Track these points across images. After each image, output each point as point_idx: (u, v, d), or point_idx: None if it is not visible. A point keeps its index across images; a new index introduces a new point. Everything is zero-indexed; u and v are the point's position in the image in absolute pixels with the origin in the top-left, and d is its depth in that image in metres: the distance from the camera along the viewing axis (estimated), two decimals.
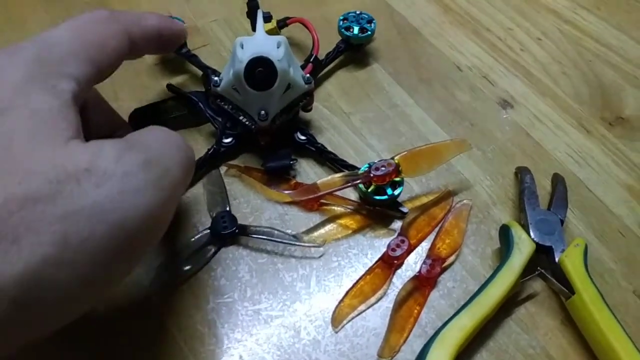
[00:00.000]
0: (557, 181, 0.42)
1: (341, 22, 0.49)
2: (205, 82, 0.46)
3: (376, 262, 0.38)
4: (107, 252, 0.24)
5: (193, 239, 0.38)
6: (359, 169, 0.41)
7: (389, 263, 0.38)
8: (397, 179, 0.39)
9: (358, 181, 0.39)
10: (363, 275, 0.37)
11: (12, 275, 0.21)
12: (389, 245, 0.37)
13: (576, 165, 0.45)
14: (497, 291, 0.35)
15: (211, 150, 0.42)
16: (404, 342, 0.35)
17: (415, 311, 0.36)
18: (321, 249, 0.39)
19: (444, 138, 0.45)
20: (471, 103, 0.48)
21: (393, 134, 0.45)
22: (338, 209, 0.41)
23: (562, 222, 0.39)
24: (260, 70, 0.37)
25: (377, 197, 0.39)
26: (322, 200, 0.40)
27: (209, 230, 0.39)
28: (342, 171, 0.42)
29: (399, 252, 0.37)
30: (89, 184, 0.24)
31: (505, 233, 0.38)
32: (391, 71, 0.49)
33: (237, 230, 0.38)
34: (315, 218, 0.40)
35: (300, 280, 0.38)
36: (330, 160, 0.43)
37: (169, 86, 0.46)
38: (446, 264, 0.38)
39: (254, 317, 0.36)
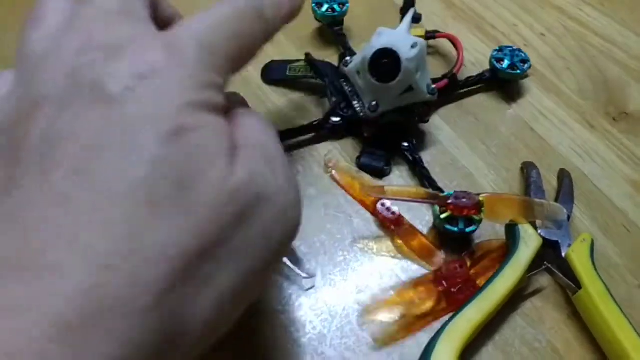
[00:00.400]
0: (564, 176, 0.42)
1: (495, 52, 0.48)
2: (339, 60, 0.47)
3: (427, 276, 0.38)
4: (266, 271, 0.24)
5: None
6: (443, 192, 0.40)
7: (438, 282, 0.37)
8: (476, 217, 0.38)
9: (434, 201, 0.38)
10: (412, 284, 0.37)
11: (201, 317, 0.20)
12: (444, 266, 0.37)
13: (580, 160, 0.45)
14: (503, 285, 0.35)
15: (316, 123, 0.43)
16: (406, 333, 0.35)
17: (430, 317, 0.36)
18: (312, 279, 0.37)
19: (449, 133, 0.46)
20: (476, 98, 0.48)
21: None
22: (416, 238, 0.39)
23: (568, 217, 0.39)
24: (385, 62, 0.38)
25: (448, 227, 0.38)
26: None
27: None
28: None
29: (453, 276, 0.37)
30: (261, 210, 0.22)
31: (512, 228, 0.38)
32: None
33: None
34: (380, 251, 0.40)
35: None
36: (421, 174, 0.42)
37: (307, 55, 0.47)
38: None
39: (259, 311, 0.36)
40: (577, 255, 0.36)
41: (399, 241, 0.39)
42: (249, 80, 0.48)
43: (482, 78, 0.48)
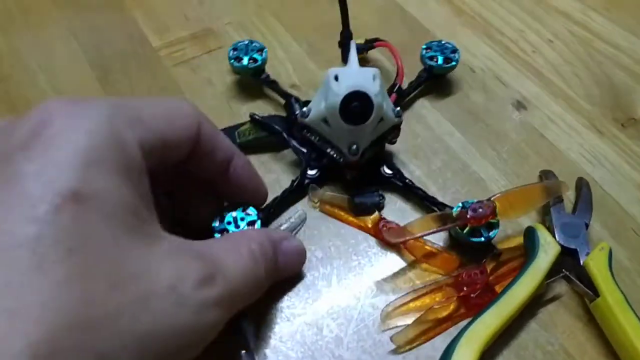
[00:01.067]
0: (582, 185, 0.42)
1: (424, 51, 0.48)
2: (288, 110, 0.45)
3: (445, 280, 0.38)
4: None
5: None
6: (448, 206, 0.40)
7: (458, 288, 0.37)
8: (493, 220, 0.38)
9: (456, 224, 0.38)
10: (430, 289, 0.37)
11: None
12: (464, 272, 0.37)
13: (590, 165, 0.45)
14: (522, 291, 0.35)
15: (296, 183, 0.41)
16: (425, 337, 0.36)
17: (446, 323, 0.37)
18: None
19: (460, 140, 0.46)
20: (485, 104, 0.49)
21: (409, 134, 0.46)
22: (424, 249, 0.39)
23: (586, 225, 0.39)
24: (356, 105, 0.37)
25: (474, 239, 0.38)
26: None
27: None
28: (431, 208, 0.41)
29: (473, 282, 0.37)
30: (170, 303, 0.23)
31: (531, 235, 0.38)
32: (405, 72, 0.50)
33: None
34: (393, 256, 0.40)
35: (321, 279, 0.38)
36: (419, 198, 0.42)
37: (252, 116, 0.44)
38: None
39: (277, 315, 0.36)
40: (595, 263, 0.37)
41: (409, 255, 0.39)
42: None
43: (422, 80, 0.48)
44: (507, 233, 0.41)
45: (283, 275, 0.35)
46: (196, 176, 0.34)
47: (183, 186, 0.36)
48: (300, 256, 0.37)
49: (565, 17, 0.57)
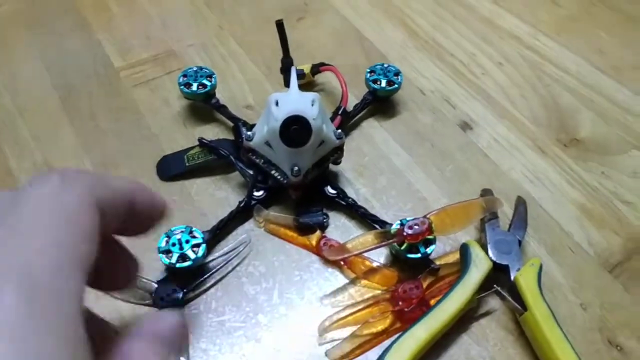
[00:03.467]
0: (519, 204, 0.44)
1: (368, 75, 0.50)
2: (236, 134, 0.47)
3: (383, 295, 0.39)
4: None
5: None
6: (389, 224, 0.41)
7: (394, 302, 0.39)
8: (430, 237, 0.40)
9: (392, 241, 0.40)
10: (367, 303, 0.39)
11: None
12: (400, 287, 0.39)
13: (531, 184, 0.47)
14: (452, 305, 0.37)
15: (242, 204, 0.43)
16: (360, 351, 0.37)
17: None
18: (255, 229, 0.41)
19: (406, 159, 0.48)
20: (433, 125, 0.51)
21: (357, 154, 0.48)
22: (364, 266, 0.41)
23: (520, 242, 0.41)
24: (295, 128, 0.38)
25: (411, 256, 0.40)
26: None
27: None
28: (373, 226, 0.42)
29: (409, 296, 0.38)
30: None
31: (464, 251, 0.40)
32: (357, 93, 0.51)
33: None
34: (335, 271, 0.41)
35: (263, 293, 0.39)
36: (361, 215, 0.43)
37: (201, 140, 0.46)
38: None
39: (218, 328, 0.38)
40: (524, 278, 0.38)
41: (349, 271, 0.41)
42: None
43: (366, 102, 0.50)
44: (446, 249, 0.42)
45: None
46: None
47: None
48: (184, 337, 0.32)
49: (517, 40, 0.60)
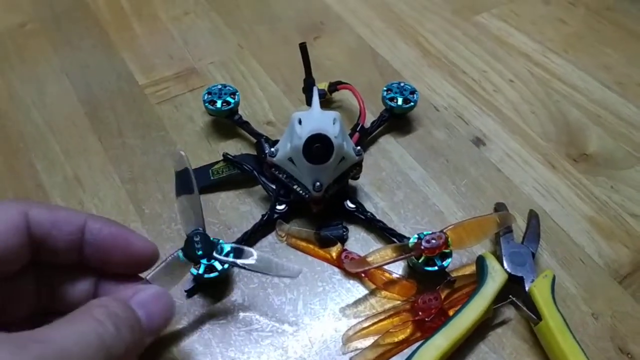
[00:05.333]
0: (532, 217, 0.46)
1: (385, 93, 0.52)
2: (259, 149, 0.49)
3: (403, 305, 0.41)
4: None
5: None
6: (406, 237, 0.43)
7: (414, 312, 0.40)
8: (446, 250, 0.41)
9: (410, 255, 0.41)
10: (388, 313, 0.40)
11: None
12: (420, 298, 0.40)
13: (542, 198, 0.49)
14: (470, 315, 0.38)
15: (265, 217, 0.45)
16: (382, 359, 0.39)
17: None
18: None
19: (422, 174, 0.50)
20: (447, 140, 0.53)
21: (374, 169, 0.50)
22: (384, 277, 0.43)
23: (533, 255, 0.43)
24: (317, 146, 0.40)
25: (428, 268, 0.41)
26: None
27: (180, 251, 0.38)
28: (391, 239, 0.44)
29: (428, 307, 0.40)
30: None
31: (480, 263, 0.42)
32: (373, 110, 0.53)
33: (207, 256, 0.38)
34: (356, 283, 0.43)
35: (288, 304, 0.41)
36: (380, 229, 0.45)
37: (225, 155, 0.47)
38: None
39: (245, 337, 0.39)
40: (538, 290, 0.40)
41: (370, 282, 0.43)
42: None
43: (383, 119, 0.52)
44: (462, 261, 0.44)
45: (159, 324, 0.33)
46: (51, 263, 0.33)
47: (43, 275, 0.34)
48: (161, 300, 0.33)
49: (526, 58, 0.62)
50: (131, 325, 0.30)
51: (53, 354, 0.25)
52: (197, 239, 0.37)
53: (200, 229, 0.38)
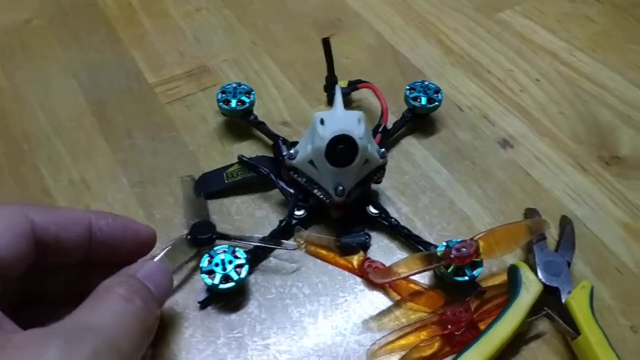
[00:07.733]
0: (565, 223, 0.43)
1: (408, 92, 0.50)
2: (276, 151, 0.46)
3: (430, 318, 0.38)
4: None
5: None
6: (433, 245, 0.41)
7: (442, 326, 0.38)
8: (477, 259, 0.39)
9: (440, 264, 0.39)
10: (414, 327, 0.38)
11: None
12: (449, 310, 0.38)
13: (574, 203, 0.46)
14: (504, 329, 0.36)
15: (284, 223, 0.42)
16: None
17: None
18: (296, 250, 0.41)
19: (447, 177, 0.47)
20: (472, 142, 0.50)
21: (397, 172, 0.47)
22: (409, 288, 0.40)
23: (568, 264, 0.40)
24: (341, 148, 0.38)
25: (457, 278, 0.39)
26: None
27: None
28: (417, 247, 0.42)
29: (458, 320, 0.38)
30: None
31: (513, 273, 0.39)
32: (394, 110, 0.51)
33: (214, 237, 0.40)
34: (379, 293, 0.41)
35: (308, 316, 0.39)
36: (404, 237, 0.42)
37: (240, 158, 0.45)
38: None
39: (263, 351, 0.37)
40: (576, 302, 0.37)
41: (394, 293, 0.40)
42: None
43: (406, 120, 0.50)
44: (492, 270, 0.41)
45: (166, 294, 0.35)
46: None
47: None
48: (164, 271, 0.35)
49: (553, 56, 0.59)
50: (151, 297, 0.32)
51: (104, 345, 0.26)
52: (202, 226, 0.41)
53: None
